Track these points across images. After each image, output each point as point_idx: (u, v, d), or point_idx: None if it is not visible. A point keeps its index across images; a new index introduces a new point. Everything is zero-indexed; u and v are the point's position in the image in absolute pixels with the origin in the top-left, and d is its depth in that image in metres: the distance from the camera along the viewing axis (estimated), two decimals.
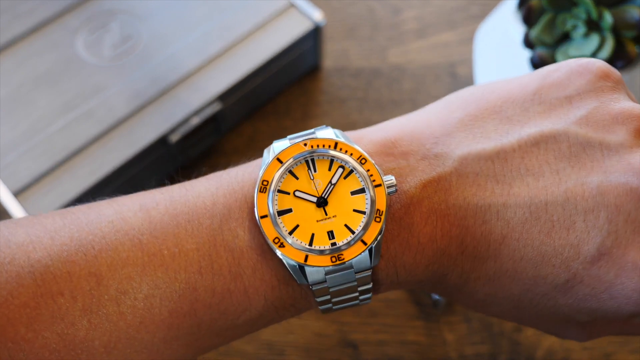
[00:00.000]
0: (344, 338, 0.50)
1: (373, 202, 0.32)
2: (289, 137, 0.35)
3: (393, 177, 0.32)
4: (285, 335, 0.51)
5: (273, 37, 0.58)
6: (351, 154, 0.33)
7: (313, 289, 0.32)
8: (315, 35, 0.60)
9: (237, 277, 0.32)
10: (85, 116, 0.54)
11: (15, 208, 0.49)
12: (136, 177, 0.55)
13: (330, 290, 0.33)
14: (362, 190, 0.33)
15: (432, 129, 0.35)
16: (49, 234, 0.32)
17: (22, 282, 0.29)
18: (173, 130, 0.54)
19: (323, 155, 0.33)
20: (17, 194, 0.50)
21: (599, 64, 0.34)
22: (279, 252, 0.31)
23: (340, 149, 0.33)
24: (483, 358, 0.49)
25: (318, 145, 0.33)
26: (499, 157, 0.32)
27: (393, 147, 0.34)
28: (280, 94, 0.64)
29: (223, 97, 0.56)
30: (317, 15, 0.59)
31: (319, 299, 0.33)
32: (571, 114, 0.32)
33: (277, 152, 0.33)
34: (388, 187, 0.32)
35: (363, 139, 0.35)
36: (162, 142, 0.54)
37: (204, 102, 0.55)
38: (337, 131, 0.34)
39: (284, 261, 0.31)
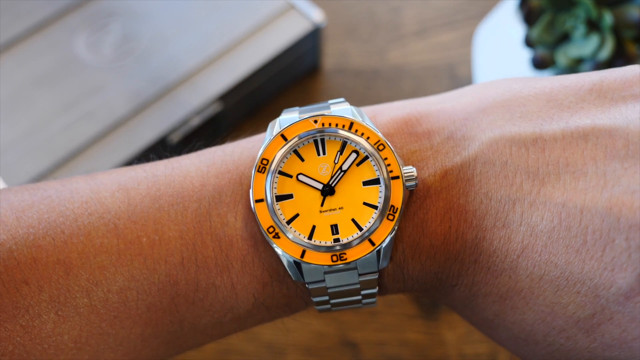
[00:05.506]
0: (344, 337, 0.50)
1: (387, 196, 0.28)
2: (299, 108, 0.30)
3: (414, 169, 0.28)
4: (286, 335, 0.51)
5: (273, 37, 0.59)
6: (368, 138, 0.29)
7: (309, 287, 0.29)
8: (315, 36, 0.60)
9: (224, 271, 0.29)
10: (85, 116, 0.54)
11: None
12: None
13: (329, 291, 0.29)
14: (376, 181, 0.29)
15: (465, 104, 0.30)
16: (15, 213, 0.28)
17: None
18: (173, 130, 0.54)
19: (335, 135, 0.29)
20: None
21: None
22: (273, 244, 0.28)
23: (356, 131, 0.29)
24: (482, 357, 0.49)
25: (330, 124, 0.29)
26: (536, 146, 0.27)
27: (417, 125, 0.30)
28: (280, 94, 0.64)
29: (223, 97, 0.56)
30: (317, 16, 0.59)
31: (315, 299, 0.30)
32: (636, 112, 0.26)
33: (282, 127, 0.29)
34: (407, 181, 0.28)
35: (383, 115, 0.31)
36: (162, 142, 0.54)
37: (204, 102, 0.55)
38: (355, 108, 0.30)
39: (279, 254, 0.28)
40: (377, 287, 0.30)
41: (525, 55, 0.52)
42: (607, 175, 0.25)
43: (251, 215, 0.29)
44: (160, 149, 0.54)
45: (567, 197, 0.25)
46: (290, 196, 0.29)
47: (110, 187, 0.29)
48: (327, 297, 0.30)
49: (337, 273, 0.29)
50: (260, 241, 0.29)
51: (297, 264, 0.28)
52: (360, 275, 0.29)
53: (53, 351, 0.27)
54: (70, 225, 0.28)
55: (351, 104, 0.31)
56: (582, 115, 0.27)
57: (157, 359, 0.31)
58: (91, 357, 0.28)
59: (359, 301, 0.30)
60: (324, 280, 0.29)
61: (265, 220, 0.28)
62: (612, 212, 0.24)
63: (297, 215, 0.28)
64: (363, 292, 0.30)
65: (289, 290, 0.30)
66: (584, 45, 0.48)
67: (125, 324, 0.28)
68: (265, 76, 0.59)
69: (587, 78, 0.28)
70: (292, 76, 0.63)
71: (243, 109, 0.61)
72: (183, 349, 0.31)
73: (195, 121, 0.55)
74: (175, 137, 0.54)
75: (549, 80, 0.29)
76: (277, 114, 0.31)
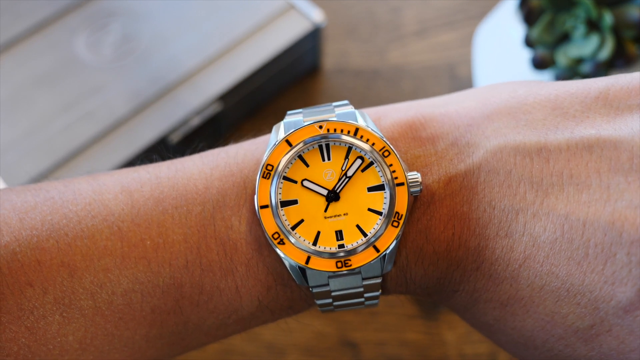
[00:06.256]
0: (344, 337, 0.50)
1: (392, 202, 0.28)
2: (303, 110, 0.30)
3: (419, 175, 0.28)
4: (286, 335, 0.51)
5: (273, 37, 0.59)
6: (373, 144, 0.28)
7: (313, 291, 0.29)
8: (315, 36, 0.60)
9: (229, 274, 0.29)
10: (85, 116, 0.54)
11: None
12: None
13: (333, 294, 0.30)
14: (381, 187, 0.28)
15: (469, 109, 0.30)
16: (18, 214, 0.28)
17: None
18: (173, 130, 0.54)
19: (340, 141, 0.29)
20: None
21: None
22: (278, 250, 0.28)
23: (361, 137, 0.28)
24: (482, 357, 0.49)
25: (335, 130, 0.29)
26: (540, 156, 0.26)
27: (421, 129, 0.30)
28: (280, 94, 0.64)
29: (223, 97, 0.56)
30: (317, 16, 0.59)
31: (319, 302, 0.30)
32: None
33: (287, 130, 0.29)
34: (412, 186, 0.28)
35: (387, 118, 0.30)
36: (162, 142, 0.54)
37: (204, 102, 0.55)
38: (359, 111, 0.30)
39: (284, 260, 0.28)
40: (380, 290, 0.30)
41: (525, 55, 0.52)
42: (611, 188, 0.25)
43: (255, 219, 0.29)
44: (160, 149, 0.54)
45: (570, 210, 0.25)
46: (295, 202, 0.29)
47: (113, 189, 0.29)
48: (330, 300, 0.30)
49: (341, 277, 0.29)
50: (264, 245, 0.29)
51: (302, 269, 0.28)
52: (363, 279, 0.29)
53: (58, 352, 0.27)
54: (74, 228, 0.28)
55: (351, 104, 0.31)
56: (587, 125, 0.27)
57: (161, 359, 0.31)
58: (96, 357, 0.28)
59: (361, 303, 0.31)
60: (327, 284, 0.29)
61: (270, 226, 0.28)
62: (614, 226, 0.24)
63: (302, 221, 0.29)
64: (366, 295, 0.30)
65: (292, 293, 0.30)
66: (584, 45, 0.48)
67: (130, 326, 0.28)
68: (265, 76, 0.59)
69: (594, 85, 0.28)
70: (292, 76, 0.63)
71: (243, 109, 0.61)
72: (187, 349, 0.32)
73: (195, 121, 0.55)
74: (176, 137, 0.54)
75: (554, 87, 0.29)
76: (277, 114, 0.31)
